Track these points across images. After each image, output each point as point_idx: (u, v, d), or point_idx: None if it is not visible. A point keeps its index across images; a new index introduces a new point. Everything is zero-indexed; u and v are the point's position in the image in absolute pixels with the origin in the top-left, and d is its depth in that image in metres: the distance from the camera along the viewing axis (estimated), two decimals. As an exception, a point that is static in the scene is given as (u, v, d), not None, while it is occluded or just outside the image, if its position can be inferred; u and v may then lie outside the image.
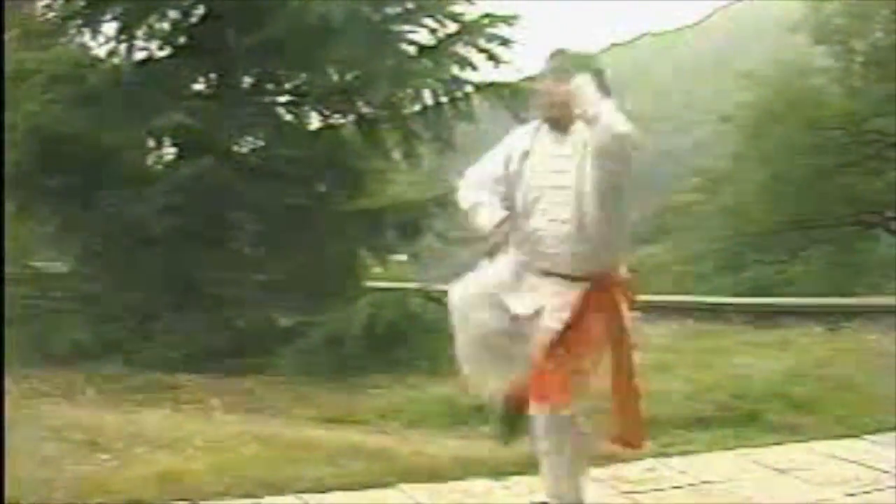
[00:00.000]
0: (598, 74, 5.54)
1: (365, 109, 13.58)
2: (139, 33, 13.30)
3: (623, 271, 5.73)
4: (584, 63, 5.63)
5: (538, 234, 5.58)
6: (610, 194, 5.42)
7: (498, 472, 6.97)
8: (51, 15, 13.91)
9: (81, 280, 12.89)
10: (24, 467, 6.55)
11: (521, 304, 5.64)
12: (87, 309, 12.19)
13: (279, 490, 6.41)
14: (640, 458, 7.32)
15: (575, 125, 5.47)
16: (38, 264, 13.48)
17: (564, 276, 5.55)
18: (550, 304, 5.54)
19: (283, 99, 13.89)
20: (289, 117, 13.83)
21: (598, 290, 5.54)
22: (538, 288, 5.61)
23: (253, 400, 10.11)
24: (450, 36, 13.52)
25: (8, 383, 9.92)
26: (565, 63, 5.58)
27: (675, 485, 6.89)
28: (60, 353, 11.40)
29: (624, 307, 5.67)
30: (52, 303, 12.53)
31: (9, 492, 6.04)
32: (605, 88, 5.48)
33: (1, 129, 11.67)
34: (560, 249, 5.53)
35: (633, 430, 5.91)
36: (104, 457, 6.97)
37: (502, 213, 5.58)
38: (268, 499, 6.32)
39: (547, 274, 5.60)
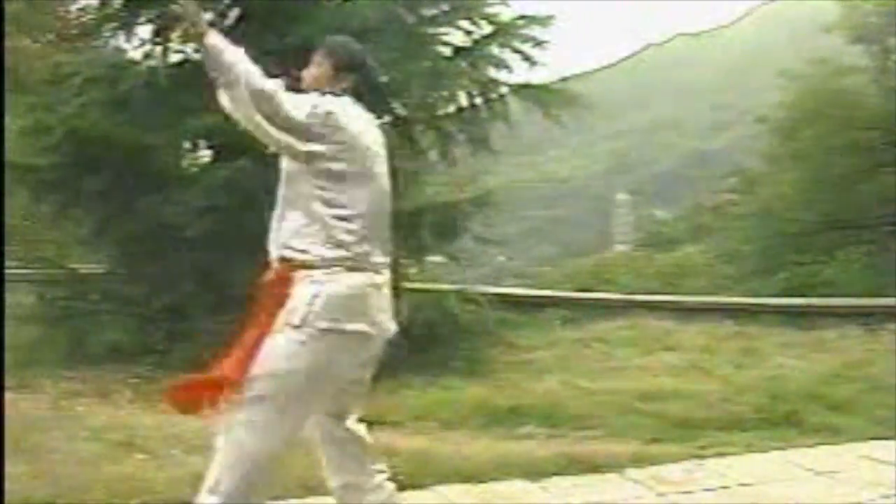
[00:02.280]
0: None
1: (400, 111, 13.57)
2: (174, 36, 13.34)
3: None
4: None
5: None
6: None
7: (534, 472, 6.95)
8: (86, 18, 13.98)
9: (118, 281, 12.93)
10: (61, 467, 6.57)
11: None
12: (124, 310, 12.24)
13: (315, 491, 6.39)
14: (678, 460, 7.31)
15: None
16: (76, 266, 13.52)
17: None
18: None
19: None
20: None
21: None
22: None
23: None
24: (485, 37, 13.54)
25: (45, 384, 10.00)
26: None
27: (711, 486, 6.87)
28: (97, 354, 11.46)
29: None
30: (89, 304, 12.59)
31: (46, 491, 6.07)
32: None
33: (1, 128, 11.73)
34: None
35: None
36: (141, 457, 6.99)
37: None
38: (305, 500, 6.33)
39: None
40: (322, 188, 5.12)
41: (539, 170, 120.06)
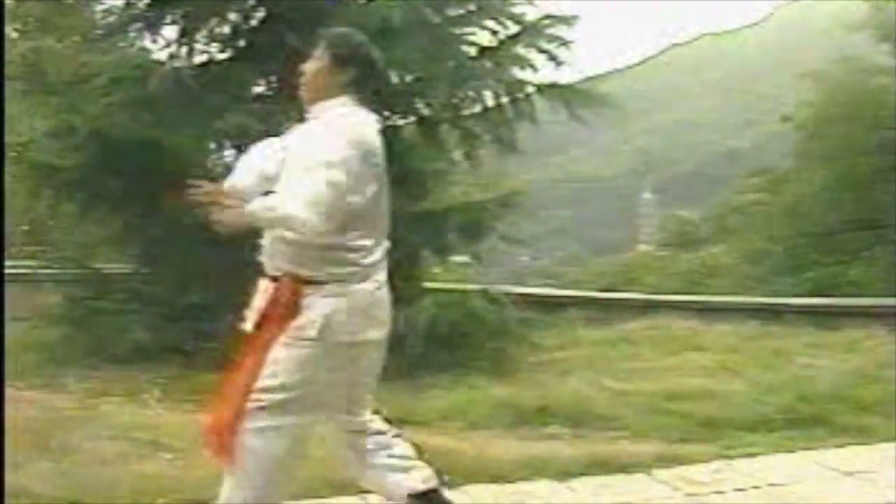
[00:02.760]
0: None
1: (425, 111, 13.57)
2: (199, 36, 13.37)
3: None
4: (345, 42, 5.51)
5: None
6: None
7: (561, 473, 6.94)
8: (111, 19, 14.01)
9: (144, 281, 12.95)
10: (87, 466, 6.59)
11: None
12: (150, 310, 12.26)
13: (341, 490, 6.41)
14: (705, 461, 7.29)
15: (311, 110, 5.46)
16: (101, 266, 13.55)
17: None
18: None
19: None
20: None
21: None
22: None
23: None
24: (510, 37, 13.52)
25: (71, 383, 10.03)
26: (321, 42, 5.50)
27: (739, 487, 6.84)
28: (123, 353, 11.49)
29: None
30: (114, 304, 12.60)
31: (72, 490, 6.08)
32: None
33: (1, 128, 11.76)
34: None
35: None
36: (167, 457, 7.00)
37: None
38: (330, 498, 6.33)
39: None
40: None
41: (564, 169, 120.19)
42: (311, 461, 6.68)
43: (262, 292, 5.35)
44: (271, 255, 5.36)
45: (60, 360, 11.39)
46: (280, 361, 4.98)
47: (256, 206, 5.14)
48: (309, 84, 5.42)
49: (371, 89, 5.50)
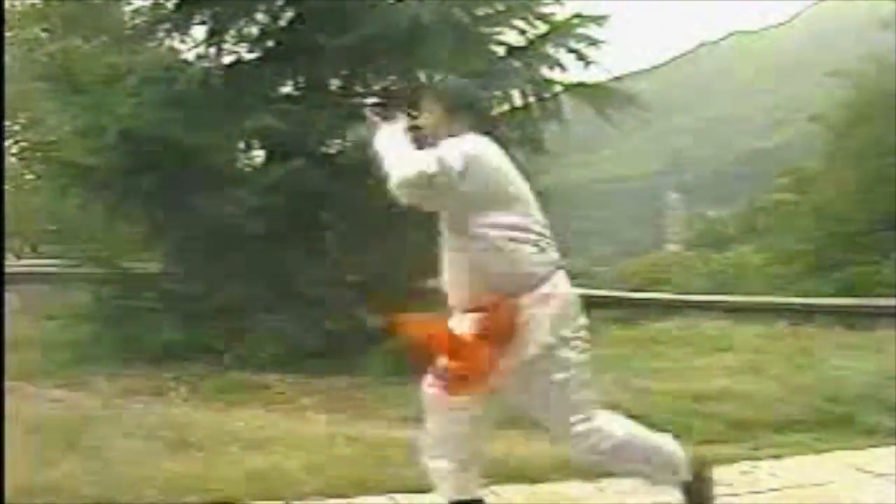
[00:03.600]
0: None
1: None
2: (228, 37, 13.41)
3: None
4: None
5: None
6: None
7: (590, 473, 6.92)
8: (140, 19, 14.06)
9: (171, 280, 12.99)
10: (116, 465, 6.60)
11: None
12: (179, 309, 12.30)
13: (370, 490, 6.41)
14: (732, 461, 7.26)
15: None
16: (130, 265, 13.59)
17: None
18: None
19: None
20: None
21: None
22: None
23: (344, 400, 10.15)
24: (539, 37, 13.51)
25: (100, 382, 10.07)
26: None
27: (768, 488, 6.81)
28: (151, 352, 11.53)
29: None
30: (144, 303, 12.66)
31: (101, 488, 6.10)
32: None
33: (1, 128, 11.80)
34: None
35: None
36: (197, 455, 7.01)
37: None
38: (359, 499, 6.33)
39: None
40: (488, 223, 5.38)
41: (593, 169, 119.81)
42: (338, 460, 6.70)
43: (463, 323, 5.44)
44: (466, 287, 5.52)
45: (89, 359, 11.43)
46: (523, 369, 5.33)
47: (384, 141, 5.76)
48: (431, 134, 5.74)
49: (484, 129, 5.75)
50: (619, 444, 5.57)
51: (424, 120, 5.82)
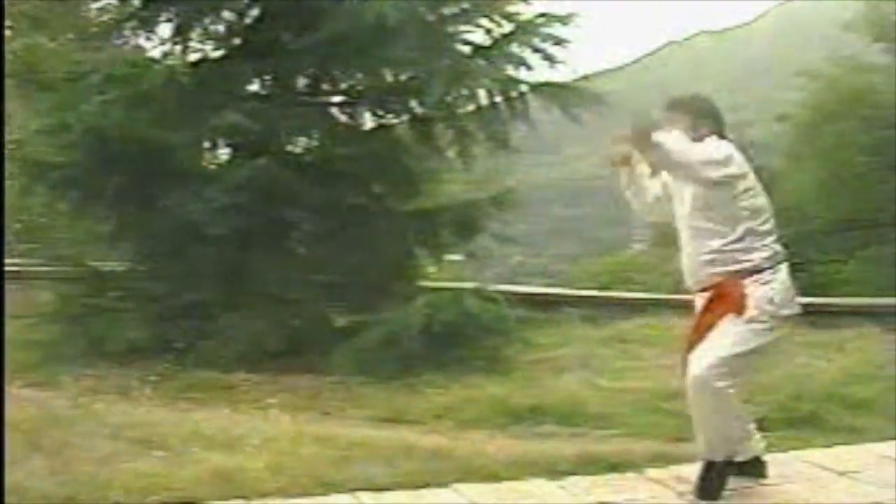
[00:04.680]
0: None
1: (419, 109, 13.56)
2: (194, 34, 13.38)
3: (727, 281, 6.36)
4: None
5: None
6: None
7: (554, 471, 6.94)
8: (106, 17, 14.02)
9: (138, 279, 12.96)
10: (80, 464, 6.58)
11: None
12: (144, 308, 12.28)
13: (334, 489, 6.41)
14: (697, 460, 7.28)
15: None
16: (95, 263, 13.54)
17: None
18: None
19: (337, 99, 13.93)
20: (343, 118, 13.86)
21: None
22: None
23: (309, 399, 10.14)
24: (505, 36, 13.51)
25: (65, 381, 10.03)
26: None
27: (733, 486, 6.82)
28: (117, 351, 11.50)
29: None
30: (108, 302, 12.62)
31: (66, 489, 6.08)
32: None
33: (1, 128, 11.76)
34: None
35: None
36: (161, 455, 6.99)
37: None
38: (323, 498, 6.33)
39: None
40: (744, 207, 6.37)
41: (559, 168, 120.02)
42: (303, 459, 6.70)
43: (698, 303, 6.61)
44: (703, 266, 6.48)
45: (54, 358, 11.38)
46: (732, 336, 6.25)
47: (663, 138, 6.14)
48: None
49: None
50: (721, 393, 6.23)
51: (672, 132, 6.36)
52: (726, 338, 6.20)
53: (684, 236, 6.64)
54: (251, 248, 12.28)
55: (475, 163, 14.20)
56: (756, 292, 6.27)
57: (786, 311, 6.45)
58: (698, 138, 6.44)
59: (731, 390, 6.22)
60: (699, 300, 6.56)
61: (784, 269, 6.54)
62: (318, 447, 7.22)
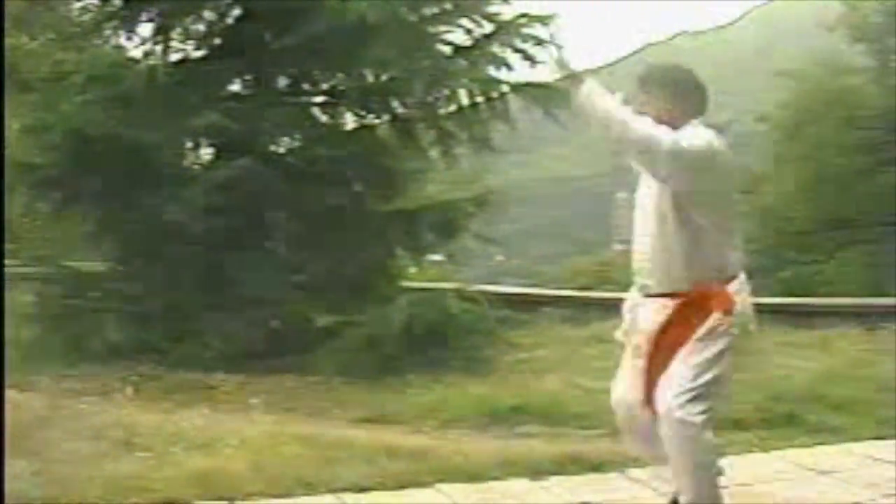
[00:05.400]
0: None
1: (401, 110, 13.58)
2: (175, 34, 13.36)
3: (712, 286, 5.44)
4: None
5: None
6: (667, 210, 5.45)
7: (536, 471, 6.95)
8: (87, 17, 13.97)
9: (119, 280, 12.92)
10: (61, 466, 6.57)
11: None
12: (125, 309, 12.25)
13: (317, 489, 6.40)
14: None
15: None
16: (76, 264, 13.51)
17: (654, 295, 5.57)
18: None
19: (319, 99, 13.93)
20: (325, 118, 13.86)
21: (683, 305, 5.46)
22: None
23: (291, 400, 10.14)
24: (486, 36, 13.53)
25: (45, 382, 10.00)
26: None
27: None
28: (98, 352, 11.48)
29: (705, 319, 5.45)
30: (89, 303, 12.58)
31: (47, 490, 6.06)
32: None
33: (1, 128, 11.72)
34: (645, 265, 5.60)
35: None
36: (142, 456, 6.98)
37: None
38: (305, 498, 6.32)
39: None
40: (706, 216, 5.36)
41: (540, 169, 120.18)
42: (284, 460, 6.69)
43: (657, 311, 5.52)
44: (666, 272, 5.48)
45: (34, 360, 11.34)
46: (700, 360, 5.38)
47: (598, 90, 5.29)
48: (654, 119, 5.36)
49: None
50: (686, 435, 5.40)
51: (649, 107, 5.43)
52: (703, 356, 5.40)
53: (651, 222, 5.50)
54: (232, 249, 12.25)
55: (456, 163, 14.21)
56: (737, 301, 5.47)
57: (753, 327, 5.73)
58: (677, 119, 5.38)
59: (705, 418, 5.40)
60: (655, 307, 5.55)
61: (746, 286, 5.68)
62: (301, 447, 7.21)
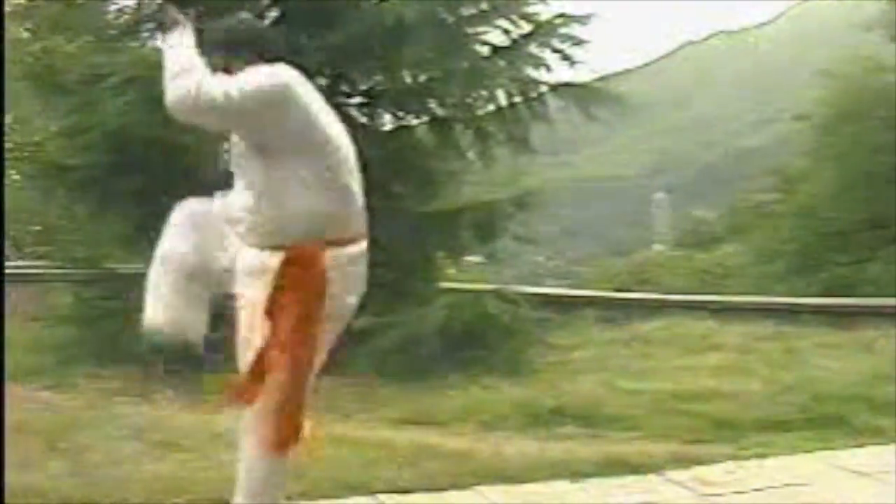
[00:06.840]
0: None
1: (439, 110, 13.57)
2: (212, 36, 13.38)
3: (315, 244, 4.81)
4: None
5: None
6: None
7: (574, 473, 6.91)
8: (123, 19, 14.02)
9: (157, 281, 12.94)
10: (100, 467, 6.57)
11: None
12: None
13: (356, 491, 6.39)
14: (718, 461, 7.25)
15: None
16: (113, 266, 13.54)
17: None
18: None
19: (357, 100, 13.91)
20: (363, 119, 13.85)
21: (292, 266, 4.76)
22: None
23: (329, 401, 10.11)
24: (524, 36, 13.52)
25: (83, 383, 10.03)
26: None
27: (754, 487, 6.79)
28: (136, 353, 11.48)
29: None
30: (126, 304, 12.61)
31: (85, 491, 6.06)
32: None
33: (1, 128, 11.75)
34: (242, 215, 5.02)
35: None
36: (181, 457, 6.98)
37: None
38: (344, 500, 6.30)
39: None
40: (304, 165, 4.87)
41: (578, 169, 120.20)
42: (323, 461, 6.68)
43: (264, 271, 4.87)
44: (279, 225, 4.86)
45: (72, 361, 11.40)
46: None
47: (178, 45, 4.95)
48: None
49: None
50: None
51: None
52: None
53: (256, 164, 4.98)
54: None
55: (495, 164, 14.20)
56: (340, 275, 4.88)
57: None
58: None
59: None
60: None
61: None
62: (339, 449, 7.20)
